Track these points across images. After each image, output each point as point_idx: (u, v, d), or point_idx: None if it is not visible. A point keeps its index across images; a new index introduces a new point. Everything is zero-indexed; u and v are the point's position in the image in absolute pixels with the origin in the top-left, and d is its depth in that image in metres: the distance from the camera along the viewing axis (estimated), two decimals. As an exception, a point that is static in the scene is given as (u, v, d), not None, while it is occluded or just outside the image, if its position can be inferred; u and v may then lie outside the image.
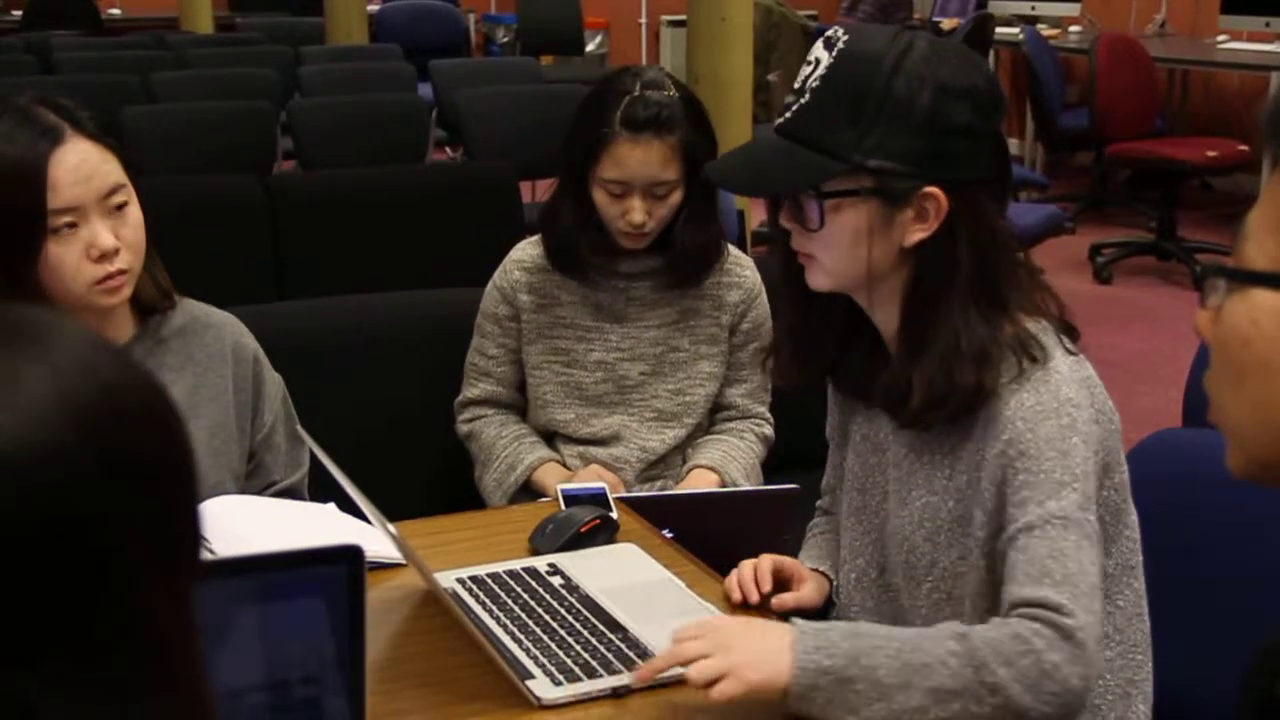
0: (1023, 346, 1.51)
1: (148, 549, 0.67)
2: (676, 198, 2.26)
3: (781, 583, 1.76)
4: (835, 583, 1.77)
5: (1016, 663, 1.38)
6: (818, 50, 1.53)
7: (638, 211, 2.23)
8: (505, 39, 10.95)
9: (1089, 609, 1.41)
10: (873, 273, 1.54)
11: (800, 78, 1.54)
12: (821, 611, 1.77)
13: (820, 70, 1.52)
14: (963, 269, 1.51)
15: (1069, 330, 1.57)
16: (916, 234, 1.52)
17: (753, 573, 1.75)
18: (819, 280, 1.58)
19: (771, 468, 2.40)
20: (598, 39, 10.92)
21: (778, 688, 1.40)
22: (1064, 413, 1.48)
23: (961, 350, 1.50)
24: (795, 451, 2.33)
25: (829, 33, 1.55)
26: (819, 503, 1.88)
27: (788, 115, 1.54)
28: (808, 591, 1.75)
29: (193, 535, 0.71)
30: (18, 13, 10.36)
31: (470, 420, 2.41)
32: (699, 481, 2.29)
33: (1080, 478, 1.47)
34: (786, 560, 1.78)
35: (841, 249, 1.54)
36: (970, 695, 1.38)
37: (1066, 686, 1.38)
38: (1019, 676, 1.37)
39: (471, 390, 2.41)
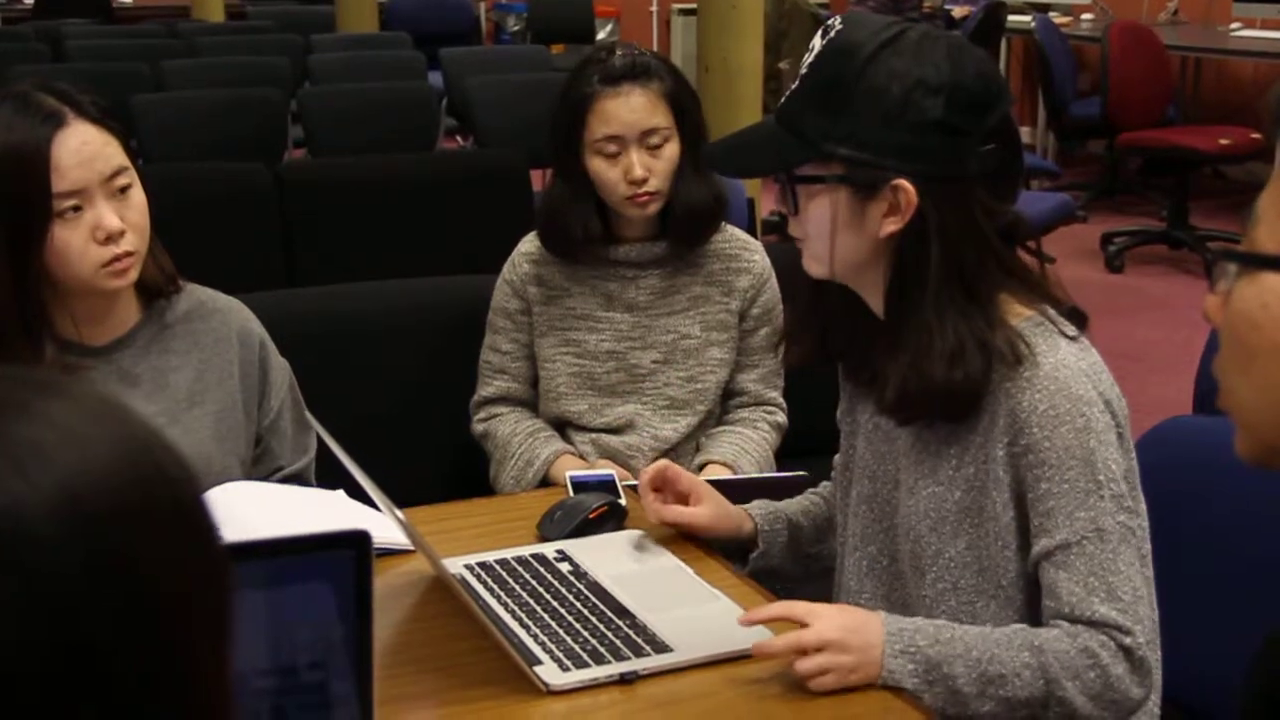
0: (1009, 345, 1.51)
1: (191, 595, 0.66)
2: (672, 150, 2.26)
3: (683, 499, 1.82)
4: (761, 527, 1.82)
5: (1083, 675, 1.46)
6: (816, 37, 1.55)
7: (636, 166, 2.22)
8: (516, 27, 10.94)
9: (1141, 620, 1.48)
10: (847, 262, 1.56)
11: (802, 62, 1.56)
12: (742, 552, 1.83)
13: (810, 57, 1.54)
14: (933, 265, 1.51)
15: (1074, 316, 1.57)
16: (889, 226, 1.52)
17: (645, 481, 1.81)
18: (810, 266, 1.61)
19: (782, 454, 2.40)
20: (608, 27, 10.90)
21: (866, 682, 1.47)
22: (1078, 414, 1.48)
23: (933, 346, 1.50)
24: (806, 438, 2.33)
25: (829, 21, 1.57)
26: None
27: (784, 100, 1.57)
28: (700, 511, 1.80)
29: (229, 589, 0.69)
30: (29, 0, 10.37)
31: (486, 420, 2.40)
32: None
33: (1105, 482, 1.49)
34: (685, 476, 1.83)
35: (817, 235, 1.56)
36: (1038, 704, 1.46)
37: (1128, 696, 1.48)
38: (1084, 689, 1.46)
39: (486, 389, 2.40)
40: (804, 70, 1.54)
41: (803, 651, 1.47)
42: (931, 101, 1.48)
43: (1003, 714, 1.47)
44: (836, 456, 1.81)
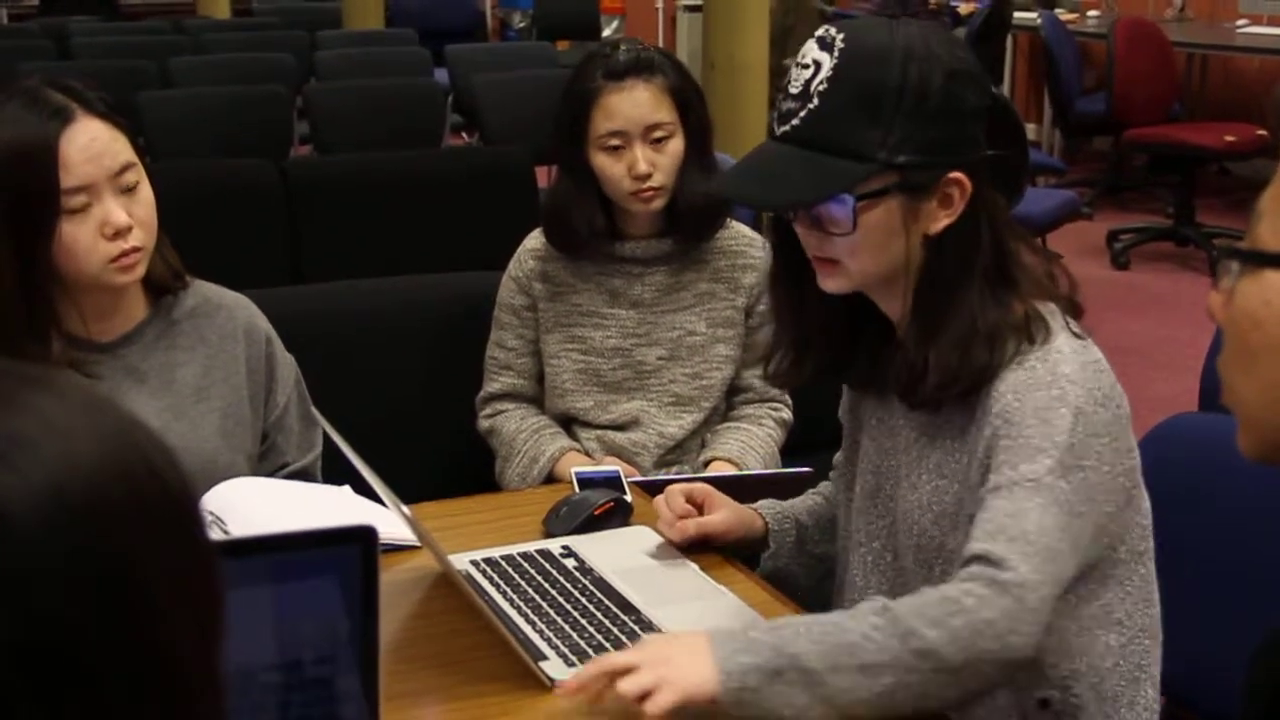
0: (1028, 326, 1.51)
1: (178, 590, 0.65)
2: (676, 146, 2.26)
3: (697, 508, 1.82)
4: (771, 527, 1.82)
5: (946, 623, 1.34)
6: (814, 52, 1.50)
7: (640, 161, 2.23)
8: (522, 24, 10.96)
9: (1038, 568, 1.38)
10: (893, 266, 1.53)
11: (799, 81, 1.50)
12: (754, 556, 1.82)
13: (825, 73, 1.49)
14: (983, 250, 1.52)
15: (1074, 309, 1.57)
16: (942, 221, 1.52)
17: (668, 508, 1.81)
18: (838, 283, 1.56)
19: (787, 449, 2.40)
20: (614, 24, 10.91)
21: (708, 693, 1.35)
22: (1056, 385, 1.47)
23: (978, 331, 1.50)
24: (810, 433, 2.33)
25: (821, 33, 1.53)
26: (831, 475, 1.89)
27: (796, 123, 1.50)
28: (716, 518, 1.80)
29: (219, 585, 0.68)
30: (35, -2, 10.40)
31: (491, 416, 2.40)
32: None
33: (1059, 446, 1.44)
34: (698, 488, 1.82)
35: (871, 249, 1.52)
36: (901, 665, 1.33)
37: (1004, 643, 1.35)
38: (951, 638, 1.33)
39: (492, 385, 2.41)
40: (822, 87, 1.48)
41: (616, 676, 1.37)
42: (966, 90, 1.49)
43: (867, 685, 1.32)
44: (838, 454, 1.81)
